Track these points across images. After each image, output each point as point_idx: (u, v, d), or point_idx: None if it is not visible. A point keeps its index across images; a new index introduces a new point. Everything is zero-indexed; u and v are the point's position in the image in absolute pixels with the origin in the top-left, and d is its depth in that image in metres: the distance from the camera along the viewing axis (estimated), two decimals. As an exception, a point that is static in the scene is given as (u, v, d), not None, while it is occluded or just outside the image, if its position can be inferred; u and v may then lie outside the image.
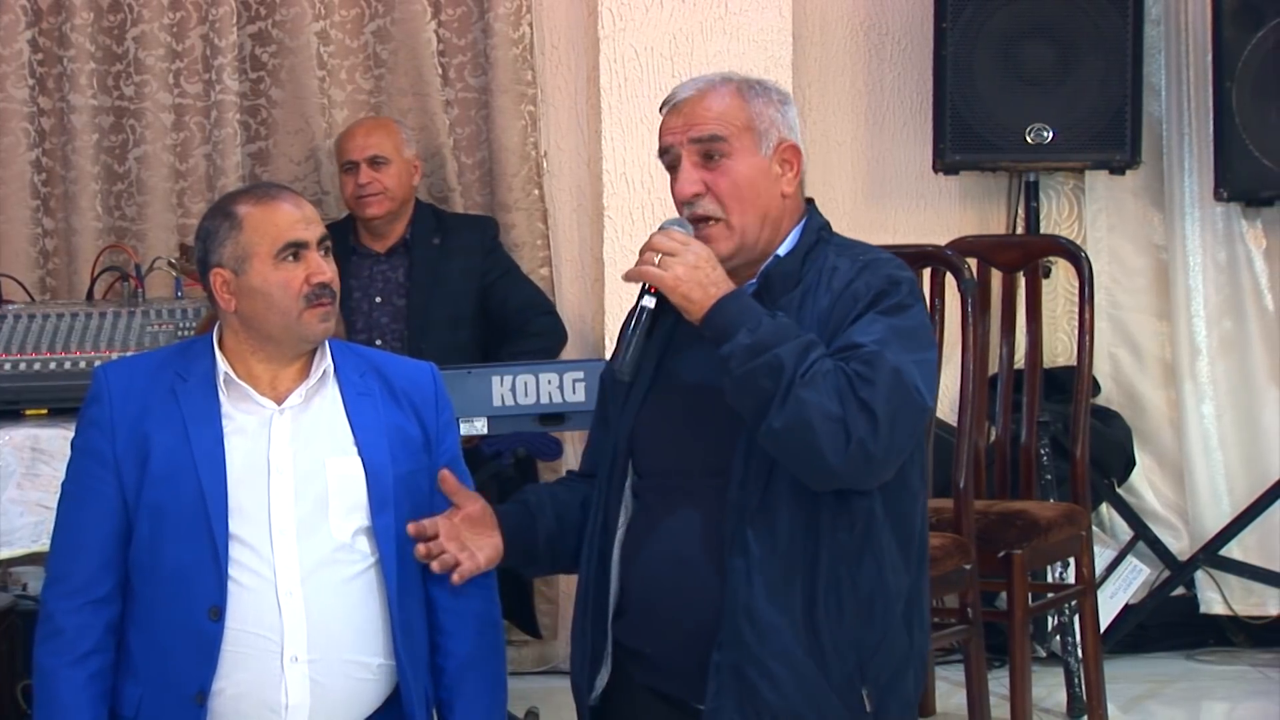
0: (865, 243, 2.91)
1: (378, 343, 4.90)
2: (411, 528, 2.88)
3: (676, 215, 2.85)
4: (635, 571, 2.86)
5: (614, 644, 2.89)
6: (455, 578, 2.87)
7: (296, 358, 2.98)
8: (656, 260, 2.74)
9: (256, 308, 2.93)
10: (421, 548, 2.87)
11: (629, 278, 2.79)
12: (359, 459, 2.94)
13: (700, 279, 2.72)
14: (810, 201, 2.92)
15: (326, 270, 2.93)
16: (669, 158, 2.85)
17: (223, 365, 2.95)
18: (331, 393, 2.99)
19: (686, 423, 2.81)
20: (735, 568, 2.72)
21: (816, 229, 2.87)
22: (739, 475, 2.74)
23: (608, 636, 2.89)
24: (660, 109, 2.88)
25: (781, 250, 2.85)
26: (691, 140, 2.81)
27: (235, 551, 2.86)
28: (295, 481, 2.90)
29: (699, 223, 2.81)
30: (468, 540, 2.89)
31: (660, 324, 2.83)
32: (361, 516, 2.92)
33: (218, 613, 2.84)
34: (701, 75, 2.89)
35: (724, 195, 2.80)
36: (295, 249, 2.92)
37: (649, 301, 2.78)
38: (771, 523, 2.72)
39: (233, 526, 2.86)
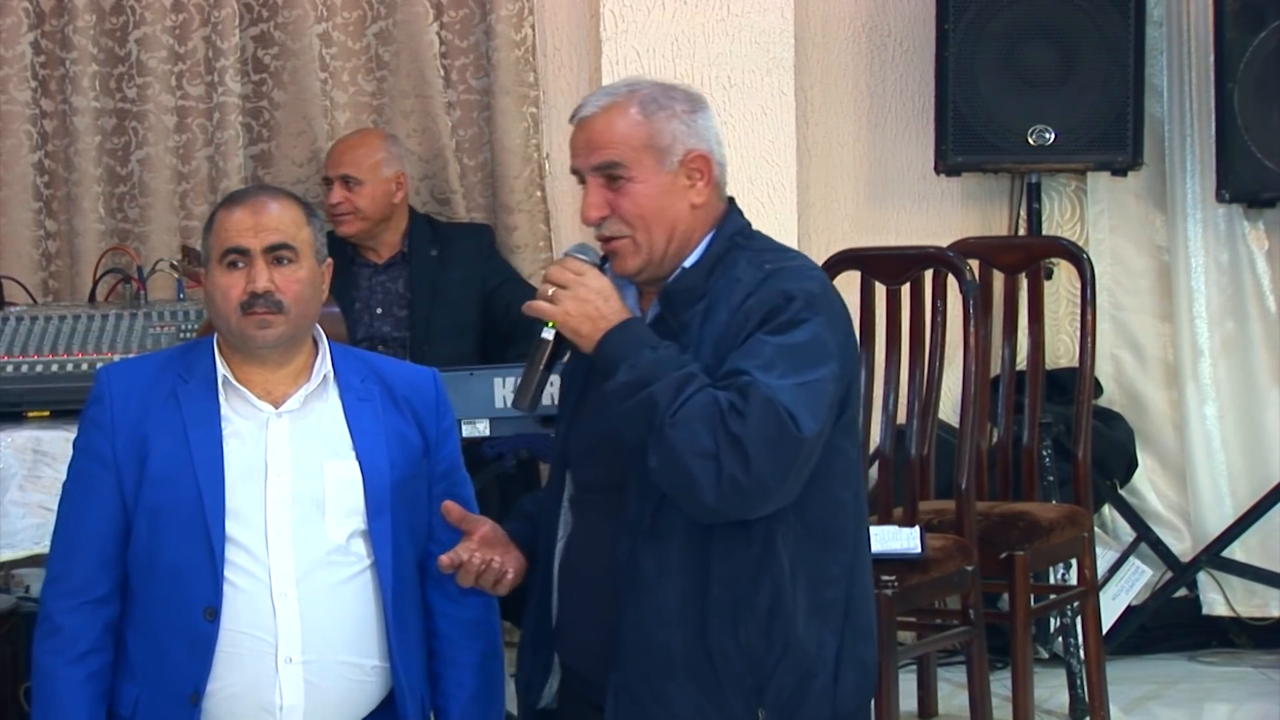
0: (784, 248, 2.84)
1: (380, 349, 4.87)
2: (445, 559, 2.85)
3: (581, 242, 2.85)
4: (563, 587, 2.85)
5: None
6: (503, 589, 2.87)
7: (281, 362, 2.97)
8: (550, 293, 2.74)
9: (210, 309, 2.98)
10: (458, 563, 2.84)
11: (526, 311, 2.79)
12: (356, 463, 2.94)
13: (589, 312, 2.72)
14: (731, 201, 2.86)
15: (261, 280, 2.90)
16: (578, 177, 2.84)
17: (222, 369, 2.97)
18: (331, 397, 2.99)
19: (604, 437, 2.76)
20: (628, 588, 2.71)
21: (730, 235, 2.80)
22: (635, 495, 2.72)
23: (554, 648, 2.89)
24: (570, 120, 2.85)
25: (688, 262, 2.79)
26: (593, 168, 2.79)
27: (231, 553, 2.87)
28: (292, 484, 2.91)
29: (607, 241, 2.80)
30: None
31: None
32: (358, 520, 2.93)
33: (213, 613, 2.84)
34: (608, 86, 2.86)
35: (628, 216, 2.77)
36: (236, 256, 2.92)
37: (547, 334, 2.78)
38: (665, 544, 2.69)
39: (229, 528, 2.87)
